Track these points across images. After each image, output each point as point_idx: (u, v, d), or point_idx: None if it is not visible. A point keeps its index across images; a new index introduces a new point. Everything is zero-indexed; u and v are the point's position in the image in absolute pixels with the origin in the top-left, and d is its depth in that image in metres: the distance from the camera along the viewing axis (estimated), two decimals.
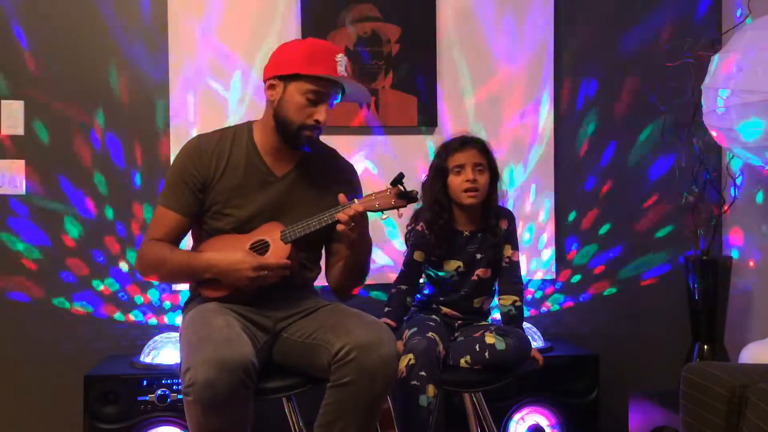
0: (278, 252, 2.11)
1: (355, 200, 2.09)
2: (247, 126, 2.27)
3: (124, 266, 2.85)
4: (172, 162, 2.26)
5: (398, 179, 2.08)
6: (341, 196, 2.10)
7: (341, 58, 2.16)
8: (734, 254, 3.04)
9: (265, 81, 2.20)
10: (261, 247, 2.13)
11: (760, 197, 2.93)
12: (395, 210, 2.08)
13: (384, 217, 2.09)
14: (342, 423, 1.97)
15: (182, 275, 2.22)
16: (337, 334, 2.01)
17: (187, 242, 2.30)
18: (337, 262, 2.28)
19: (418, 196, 2.09)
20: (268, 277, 2.09)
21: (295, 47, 2.18)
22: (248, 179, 2.20)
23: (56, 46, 2.80)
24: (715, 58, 2.56)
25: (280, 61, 2.17)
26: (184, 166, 2.19)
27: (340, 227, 2.07)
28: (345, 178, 2.31)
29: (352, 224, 2.06)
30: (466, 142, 2.44)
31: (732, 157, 2.91)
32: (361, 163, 2.90)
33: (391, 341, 2.02)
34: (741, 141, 2.44)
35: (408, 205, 2.09)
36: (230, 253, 2.10)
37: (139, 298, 2.86)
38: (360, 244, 2.16)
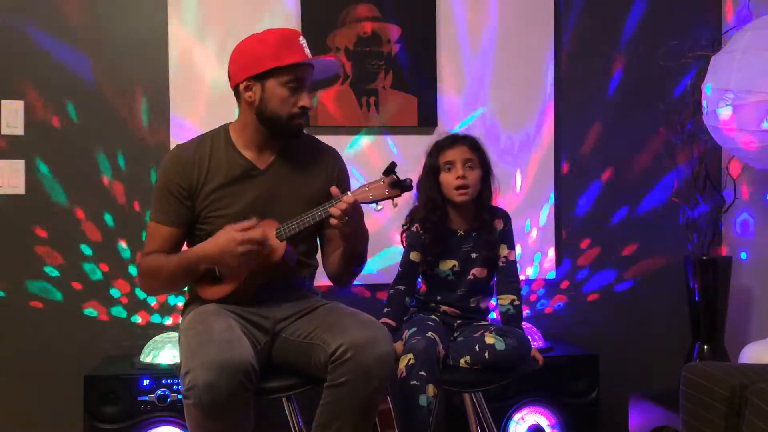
0: (274, 250, 2.11)
1: (348, 192, 2.07)
2: (223, 128, 2.28)
3: (123, 266, 2.85)
4: (156, 177, 2.25)
5: (391, 168, 2.05)
6: (334, 189, 2.08)
7: (303, 41, 2.19)
8: (734, 254, 3.04)
9: (236, 85, 2.20)
10: None
11: (760, 197, 2.93)
12: (390, 200, 2.05)
13: (379, 208, 2.07)
14: (339, 422, 1.98)
15: (180, 276, 2.21)
16: (333, 333, 2.01)
17: None
18: (333, 251, 2.28)
19: (412, 184, 2.07)
20: (262, 252, 2.06)
21: (260, 43, 2.18)
22: (232, 176, 2.21)
23: (57, 46, 2.81)
24: (715, 58, 2.56)
25: (250, 61, 2.17)
26: (167, 178, 2.21)
27: (333, 221, 2.06)
28: (329, 163, 2.31)
29: (345, 218, 2.05)
30: (456, 139, 2.44)
31: (732, 157, 2.92)
32: (361, 164, 2.90)
33: (387, 340, 2.02)
34: (740, 142, 2.44)
35: (402, 194, 2.06)
36: (218, 236, 2.10)
37: (139, 298, 2.86)
38: (355, 236, 2.15)
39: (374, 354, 1.95)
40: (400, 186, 2.05)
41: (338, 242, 2.23)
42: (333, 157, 2.35)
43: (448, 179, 2.40)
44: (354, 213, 2.06)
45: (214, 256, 2.11)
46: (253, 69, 2.16)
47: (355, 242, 2.18)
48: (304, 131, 2.28)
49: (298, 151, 2.27)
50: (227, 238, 2.08)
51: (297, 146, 2.27)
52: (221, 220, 2.19)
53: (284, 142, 2.25)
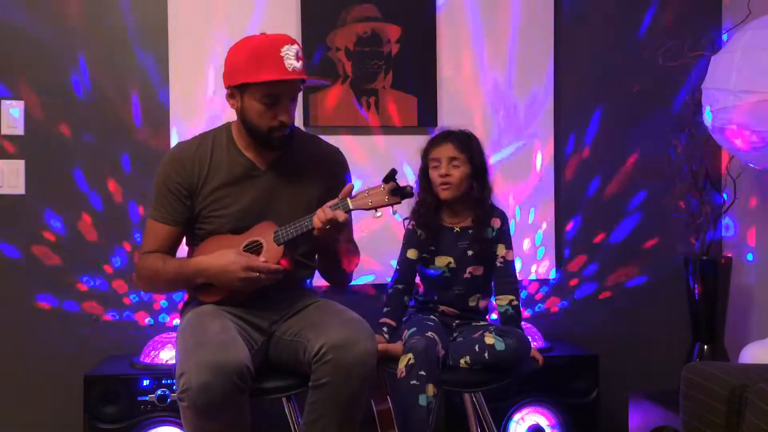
0: (271, 253, 2.10)
1: (348, 199, 2.06)
2: (226, 127, 2.26)
3: (123, 266, 2.85)
4: (156, 174, 2.23)
5: (391, 175, 2.04)
6: (348, 187, 2.07)
7: (287, 50, 2.07)
8: (734, 254, 3.04)
9: (226, 88, 2.17)
10: (255, 249, 2.12)
11: (760, 197, 2.93)
12: (390, 207, 2.04)
13: (378, 214, 2.05)
14: (324, 421, 1.98)
15: (177, 283, 2.21)
16: (316, 333, 2.01)
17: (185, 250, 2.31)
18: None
19: (413, 191, 2.07)
20: (261, 279, 2.07)
21: (239, 53, 2.10)
22: (233, 176, 2.19)
23: (58, 46, 2.81)
24: (715, 58, 2.56)
25: (230, 71, 2.12)
26: (167, 176, 2.19)
27: (316, 222, 2.03)
28: (331, 165, 2.29)
29: (327, 227, 2.03)
30: (444, 136, 2.45)
31: (732, 158, 2.92)
32: (361, 164, 2.90)
33: (369, 339, 2.01)
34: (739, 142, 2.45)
35: (402, 201, 2.05)
36: (221, 256, 2.08)
37: (140, 298, 2.86)
38: (328, 244, 2.14)
39: (353, 354, 1.95)
40: (400, 193, 2.04)
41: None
42: (336, 158, 2.33)
43: (434, 176, 2.42)
44: (339, 225, 2.04)
45: (212, 274, 2.10)
46: (231, 80, 2.12)
47: (330, 248, 2.16)
48: (307, 131, 2.27)
49: (300, 152, 2.25)
50: (230, 260, 2.06)
51: (299, 147, 2.26)
52: (221, 220, 2.18)
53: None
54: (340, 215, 2.03)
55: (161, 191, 2.20)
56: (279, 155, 2.23)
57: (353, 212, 2.10)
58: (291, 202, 2.18)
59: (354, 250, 2.32)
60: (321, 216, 2.03)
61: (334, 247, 2.18)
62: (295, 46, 2.09)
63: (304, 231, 2.08)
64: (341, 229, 2.06)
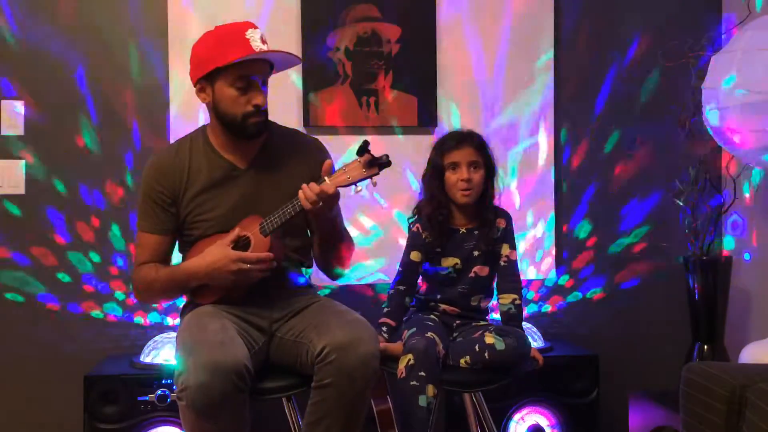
0: (259, 246, 2.09)
1: (325, 178, 2.02)
2: (201, 130, 2.26)
3: (124, 266, 2.85)
4: (140, 185, 2.24)
5: (364, 147, 2.00)
6: (327, 164, 2.06)
7: (252, 33, 2.09)
8: (734, 254, 3.04)
9: (194, 85, 2.16)
10: (243, 244, 2.11)
11: (759, 197, 2.93)
12: (369, 180, 2.01)
13: (359, 189, 2.03)
14: (326, 422, 1.98)
15: (172, 291, 2.22)
16: (319, 333, 2.01)
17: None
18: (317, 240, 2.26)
19: (389, 159, 2.02)
20: (253, 270, 2.06)
21: (204, 43, 2.13)
22: (214, 179, 2.18)
23: (57, 45, 2.80)
24: (715, 58, 2.56)
25: (197, 62, 2.13)
26: (149, 186, 2.19)
27: (306, 206, 2.02)
28: (311, 156, 2.26)
29: (319, 203, 2.01)
30: (462, 139, 2.44)
31: (732, 157, 2.92)
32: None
33: (371, 340, 2.01)
34: (739, 142, 2.45)
35: (380, 172, 2.01)
36: (207, 254, 2.08)
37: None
38: (327, 220, 2.13)
39: (357, 355, 1.95)
40: (377, 164, 2.00)
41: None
42: (315, 148, 2.30)
43: (452, 180, 2.41)
44: (329, 199, 2.03)
45: (204, 274, 2.09)
46: (200, 71, 2.12)
47: (326, 227, 2.15)
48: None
49: (279, 146, 2.24)
50: (218, 256, 2.06)
51: (277, 141, 2.24)
52: (207, 224, 2.18)
53: (264, 139, 2.22)
54: (328, 187, 2.00)
55: (146, 202, 2.20)
56: (258, 152, 2.22)
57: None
58: (275, 197, 2.15)
59: (348, 238, 2.31)
60: (308, 194, 2.01)
61: (331, 225, 2.17)
62: (259, 30, 2.11)
63: (290, 216, 2.06)
64: (332, 203, 2.05)
